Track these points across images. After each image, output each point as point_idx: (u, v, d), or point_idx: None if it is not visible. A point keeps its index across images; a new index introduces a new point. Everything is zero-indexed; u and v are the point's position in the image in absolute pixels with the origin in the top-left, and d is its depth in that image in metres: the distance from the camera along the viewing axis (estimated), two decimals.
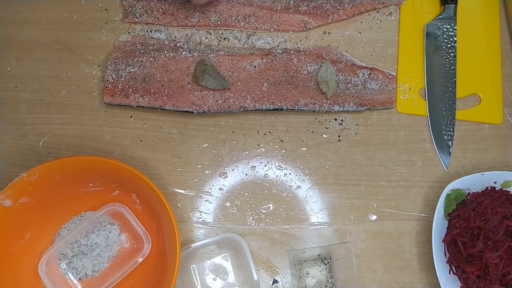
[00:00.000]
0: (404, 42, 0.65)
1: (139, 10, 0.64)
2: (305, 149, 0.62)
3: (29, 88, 0.63)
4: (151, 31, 0.65)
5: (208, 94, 0.61)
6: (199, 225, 0.60)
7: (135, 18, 0.65)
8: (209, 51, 0.63)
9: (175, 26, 0.65)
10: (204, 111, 0.61)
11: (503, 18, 0.66)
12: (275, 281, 0.59)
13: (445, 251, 0.57)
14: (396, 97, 0.63)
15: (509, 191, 0.57)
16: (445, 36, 0.64)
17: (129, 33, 0.65)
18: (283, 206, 0.61)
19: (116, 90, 0.61)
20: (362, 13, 0.65)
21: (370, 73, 0.63)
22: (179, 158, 0.62)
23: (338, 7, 0.65)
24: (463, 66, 0.64)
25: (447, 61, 0.64)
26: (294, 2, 0.65)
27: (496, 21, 0.66)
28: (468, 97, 0.64)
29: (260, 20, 0.65)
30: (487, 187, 0.58)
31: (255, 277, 0.55)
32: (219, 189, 0.61)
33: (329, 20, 0.65)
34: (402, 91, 0.63)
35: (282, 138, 0.62)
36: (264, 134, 0.62)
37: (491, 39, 0.65)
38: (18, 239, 0.54)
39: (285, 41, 0.65)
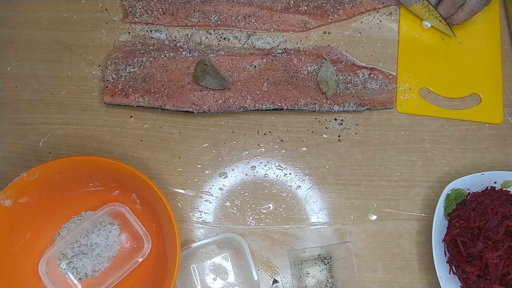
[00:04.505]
0: (404, 42, 0.65)
1: (139, 10, 0.64)
2: (305, 149, 0.62)
3: (29, 88, 0.63)
4: (151, 31, 0.65)
5: (208, 94, 0.61)
6: (199, 225, 0.60)
7: (135, 18, 0.65)
8: (209, 51, 0.63)
9: (175, 26, 0.65)
10: (204, 111, 0.61)
11: (503, 18, 0.66)
12: (275, 281, 0.59)
13: (445, 251, 0.57)
14: (396, 97, 0.63)
15: (509, 191, 0.57)
16: None
17: (129, 33, 0.65)
18: (283, 206, 0.61)
19: (116, 90, 0.61)
20: (362, 13, 0.65)
21: (370, 73, 0.63)
22: (179, 158, 0.62)
23: (338, 7, 0.65)
24: (463, 66, 0.64)
25: None
26: (294, 2, 0.65)
27: (496, 21, 0.66)
28: (468, 97, 0.63)
29: (260, 20, 0.65)
30: (487, 187, 0.58)
31: (255, 277, 0.55)
32: (219, 189, 0.61)
33: (329, 20, 0.65)
34: (402, 91, 0.63)
35: (282, 138, 0.62)
36: (264, 134, 0.62)
37: (491, 39, 0.65)
38: (18, 239, 0.54)
39: (285, 41, 0.65)
